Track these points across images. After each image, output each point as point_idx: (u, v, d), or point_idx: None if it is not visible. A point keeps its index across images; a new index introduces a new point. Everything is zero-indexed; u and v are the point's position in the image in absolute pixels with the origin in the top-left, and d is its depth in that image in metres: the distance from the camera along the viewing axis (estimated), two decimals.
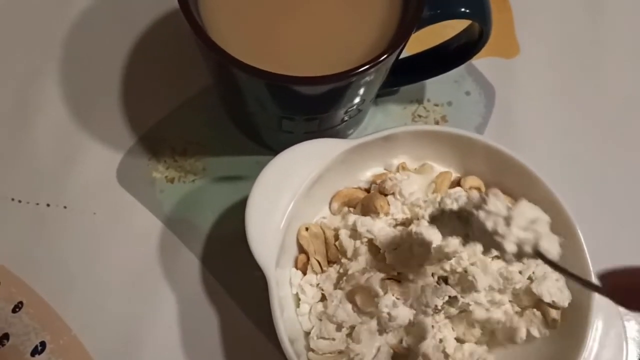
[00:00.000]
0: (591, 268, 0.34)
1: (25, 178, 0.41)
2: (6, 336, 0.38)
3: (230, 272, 0.40)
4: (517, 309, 0.36)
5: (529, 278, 0.35)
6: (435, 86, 0.45)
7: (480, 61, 0.46)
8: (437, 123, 0.45)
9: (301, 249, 0.37)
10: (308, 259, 0.37)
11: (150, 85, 0.44)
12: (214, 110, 0.43)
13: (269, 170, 0.34)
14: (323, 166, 0.35)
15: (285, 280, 0.36)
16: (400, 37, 0.32)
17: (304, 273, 0.37)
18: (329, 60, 0.33)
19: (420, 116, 0.45)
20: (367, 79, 0.33)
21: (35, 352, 0.38)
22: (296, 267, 0.37)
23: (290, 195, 0.34)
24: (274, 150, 0.36)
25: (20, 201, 0.41)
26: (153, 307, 0.39)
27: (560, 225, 0.35)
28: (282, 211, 0.34)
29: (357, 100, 0.36)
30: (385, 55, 0.31)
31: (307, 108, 0.35)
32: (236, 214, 0.41)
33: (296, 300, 0.36)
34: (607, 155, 0.45)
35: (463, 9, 0.35)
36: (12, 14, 0.46)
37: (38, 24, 0.46)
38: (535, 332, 0.35)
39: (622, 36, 0.49)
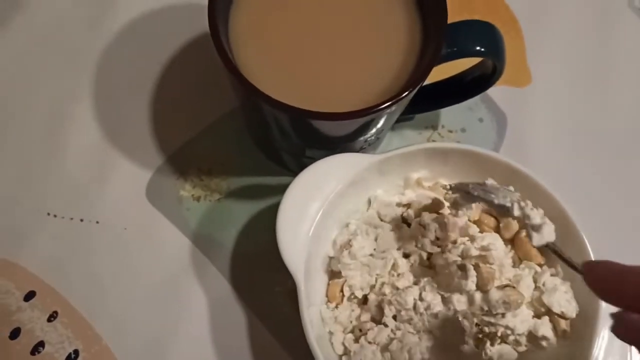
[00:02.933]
0: None
1: (61, 194, 0.44)
2: (42, 344, 0.40)
3: (252, 287, 0.42)
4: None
5: (538, 289, 0.38)
6: (449, 113, 0.47)
7: (493, 89, 0.48)
8: None
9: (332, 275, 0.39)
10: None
11: (179, 107, 0.46)
12: (239, 133, 0.46)
13: (300, 180, 0.36)
14: (351, 177, 0.37)
15: (318, 319, 0.38)
16: (420, 75, 0.34)
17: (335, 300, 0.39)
18: (351, 96, 0.35)
19: (434, 142, 0.47)
20: (387, 113, 0.35)
21: (69, 359, 0.40)
22: (327, 295, 0.39)
23: (319, 203, 0.37)
24: (296, 172, 0.38)
25: (55, 216, 0.43)
26: (180, 319, 0.41)
27: (573, 246, 0.37)
28: (311, 219, 0.36)
29: (375, 130, 0.38)
30: (405, 93, 0.34)
31: (329, 139, 0.37)
32: (258, 231, 0.44)
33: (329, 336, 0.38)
34: (621, 186, 0.47)
35: (479, 48, 0.37)
36: (47, 37, 0.48)
37: (72, 47, 0.48)
38: (543, 341, 0.37)
39: (634, 65, 0.51)
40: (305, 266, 0.36)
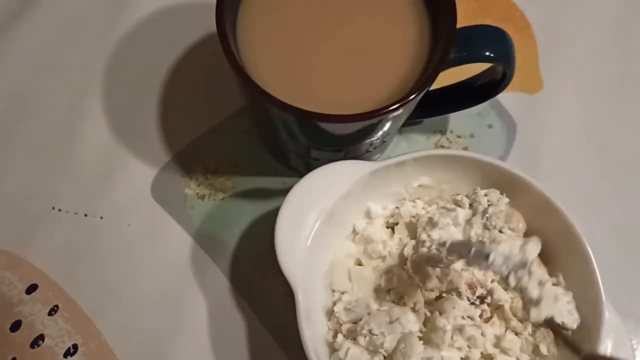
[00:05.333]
0: (604, 299, 0.35)
1: (67, 189, 0.44)
2: (42, 337, 0.40)
3: (254, 287, 0.42)
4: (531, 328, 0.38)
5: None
6: (458, 118, 0.47)
7: (503, 95, 0.47)
8: None
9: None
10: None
11: (187, 106, 0.46)
12: (246, 133, 0.46)
13: (298, 189, 0.36)
14: (349, 186, 0.37)
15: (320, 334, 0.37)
16: (427, 79, 0.34)
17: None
18: (358, 98, 0.35)
19: (442, 146, 0.47)
20: (393, 115, 0.35)
21: (67, 353, 0.40)
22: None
23: (317, 213, 0.36)
24: (301, 173, 0.38)
25: (60, 210, 0.43)
26: (180, 318, 0.41)
27: (577, 257, 0.36)
28: (309, 229, 0.36)
29: (381, 133, 0.38)
30: (412, 96, 0.33)
31: (335, 141, 0.37)
32: (262, 232, 0.43)
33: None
34: (630, 194, 0.46)
35: (488, 53, 0.36)
36: (58, 35, 0.48)
37: (81, 45, 0.48)
38: (544, 350, 0.37)
39: None
40: (306, 275, 0.35)
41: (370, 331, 0.35)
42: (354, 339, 0.36)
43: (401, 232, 0.40)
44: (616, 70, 0.50)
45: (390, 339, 0.34)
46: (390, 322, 0.35)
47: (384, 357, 0.35)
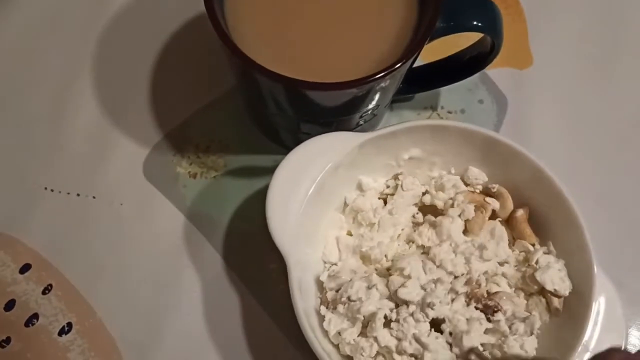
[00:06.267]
0: (595, 264, 0.35)
1: (59, 169, 0.44)
2: (36, 316, 0.40)
3: (247, 264, 0.42)
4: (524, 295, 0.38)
5: (531, 267, 0.37)
6: (449, 94, 0.47)
7: (493, 71, 0.48)
8: None
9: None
10: None
11: (178, 85, 0.47)
12: (237, 111, 0.46)
13: (288, 161, 0.36)
14: (340, 156, 0.37)
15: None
16: (414, 47, 0.34)
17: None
18: (346, 67, 0.35)
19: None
20: (382, 85, 0.35)
21: (62, 332, 0.40)
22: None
23: (308, 183, 0.36)
24: (292, 150, 0.38)
25: (52, 190, 0.43)
26: (175, 295, 0.41)
27: (568, 224, 0.37)
28: (300, 199, 0.36)
29: (371, 105, 0.38)
30: (399, 64, 0.33)
31: (324, 112, 0.37)
32: (254, 209, 0.43)
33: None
34: (619, 168, 0.46)
35: (476, 23, 0.36)
36: (50, 16, 0.48)
37: (72, 25, 0.48)
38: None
39: (637, 49, 0.50)
40: (298, 247, 0.35)
41: (349, 298, 0.35)
42: (335, 308, 0.36)
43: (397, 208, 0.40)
44: (606, 45, 0.50)
45: (368, 305, 0.35)
46: (369, 288, 0.35)
47: (364, 325, 0.35)
